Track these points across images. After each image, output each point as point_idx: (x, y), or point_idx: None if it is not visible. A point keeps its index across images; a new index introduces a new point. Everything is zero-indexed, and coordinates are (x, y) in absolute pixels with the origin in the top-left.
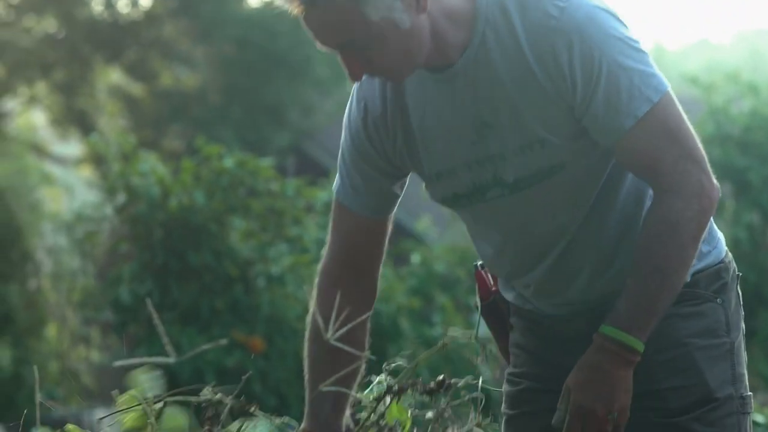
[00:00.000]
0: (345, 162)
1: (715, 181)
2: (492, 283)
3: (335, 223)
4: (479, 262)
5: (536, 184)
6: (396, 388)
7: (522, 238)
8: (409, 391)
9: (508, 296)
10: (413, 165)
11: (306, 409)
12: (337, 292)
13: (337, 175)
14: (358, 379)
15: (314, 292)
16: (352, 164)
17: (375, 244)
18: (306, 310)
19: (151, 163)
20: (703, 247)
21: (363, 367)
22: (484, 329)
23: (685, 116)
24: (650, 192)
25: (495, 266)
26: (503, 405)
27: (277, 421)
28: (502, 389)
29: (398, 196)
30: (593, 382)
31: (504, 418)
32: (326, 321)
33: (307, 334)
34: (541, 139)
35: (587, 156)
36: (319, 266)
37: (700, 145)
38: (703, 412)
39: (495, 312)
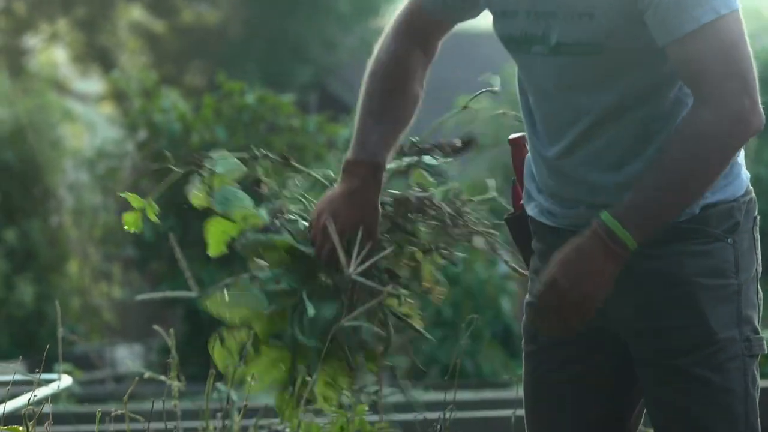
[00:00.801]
0: None
1: (761, 112)
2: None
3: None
4: (514, 178)
5: (573, 56)
6: (421, 146)
7: (549, 103)
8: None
9: (530, 209)
10: None
11: (353, 142)
12: (399, 45)
13: None
14: (406, 130)
15: (386, 30)
16: None
17: (440, 31)
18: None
19: (172, 100)
20: (720, 180)
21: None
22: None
23: (747, 42)
24: (681, 117)
25: (530, 126)
26: (522, 338)
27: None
28: (522, 322)
29: (471, 15)
30: (572, 262)
31: (523, 353)
32: (383, 66)
33: (368, 69)
34: (590, 14)
35: (632, 50)
36: (396, 12)
37: (755, 74)
38: (705, 355)
39: (522, 226)
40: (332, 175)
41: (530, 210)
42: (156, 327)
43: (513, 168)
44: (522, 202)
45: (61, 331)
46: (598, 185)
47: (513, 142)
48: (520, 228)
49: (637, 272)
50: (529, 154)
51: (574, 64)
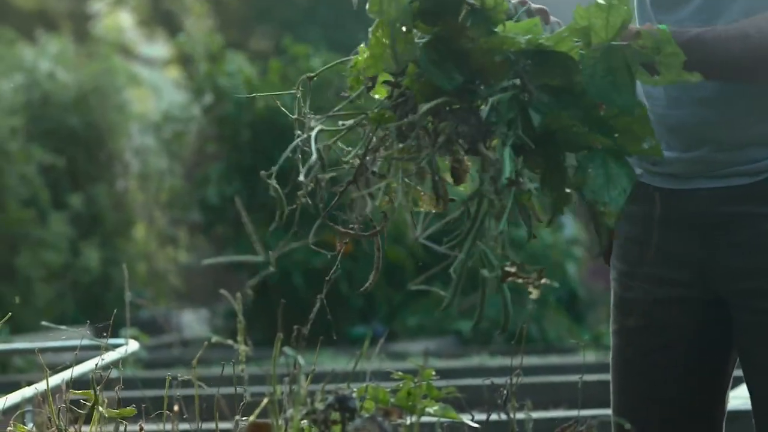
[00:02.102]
0: None
1: None
2: None
3: None
4: None
5: None
6: None
7: (692, 5)
8: None
9: None
10: None
11: None
12: None
13: None
14: None
15: None
16: None
17: None
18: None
19: (238, 64)
20: None
21: None
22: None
23: None
24: None
25: None
26: (612, 306)
27: None
28: (611, 288)
29: None
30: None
31: (613, 326)
32: None
33: None
34: None
35: None
36: None
37: None
38: None
39: None
40: None
41: None
42: (222, 291)
43: None
44: None
45: (127, 296)
46: (736, 115)
47: None
48: None
49: (759, 232)
50: None
51: None
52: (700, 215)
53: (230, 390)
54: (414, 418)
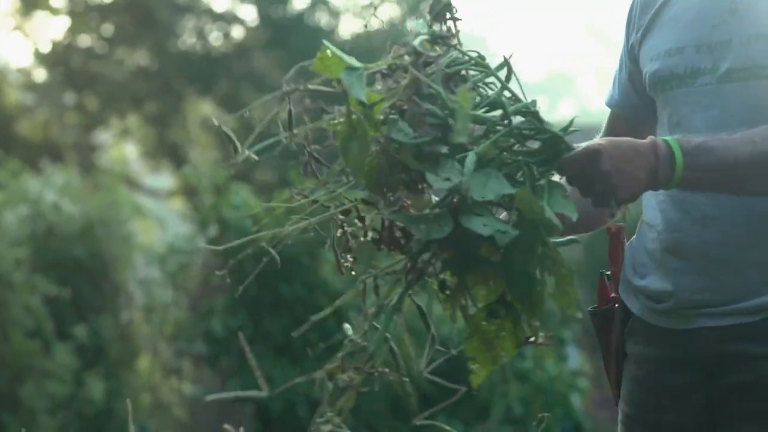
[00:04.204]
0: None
1: None
2: (612, 292)
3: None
4: (607, 272)
5: (741, 81)
6: None
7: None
8: None
9: (633, 305)
10: (644, 42)
11: None
12: None
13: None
14: None
15: None
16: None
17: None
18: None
19: (242, 196)
20: None
21: None
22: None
23: None
24: None
25: None
26: None
27: None
28: (618, 430)
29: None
30: (624, 150)
31: None
32: None
33: None
34: (766, 33)
35: None
36: None
37: None
38: None
39: (608, 322)
40: None
41: (635, 308)
42: (226, 426)
43: (609, 259)
44: (613, 295)
45: (131, 430)
46: (735, 235)
47: (612, 233)
48: (606, 325)
49: (761, 375)
50: (631, 242)
51: (742, 92)
52: (703, 354)
53: None
54: None
